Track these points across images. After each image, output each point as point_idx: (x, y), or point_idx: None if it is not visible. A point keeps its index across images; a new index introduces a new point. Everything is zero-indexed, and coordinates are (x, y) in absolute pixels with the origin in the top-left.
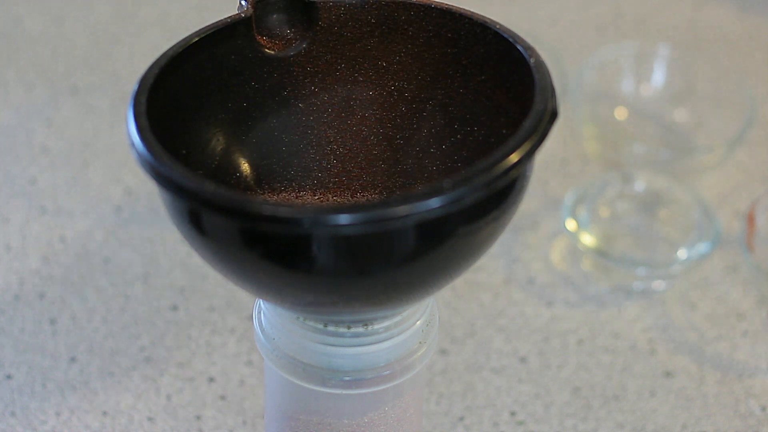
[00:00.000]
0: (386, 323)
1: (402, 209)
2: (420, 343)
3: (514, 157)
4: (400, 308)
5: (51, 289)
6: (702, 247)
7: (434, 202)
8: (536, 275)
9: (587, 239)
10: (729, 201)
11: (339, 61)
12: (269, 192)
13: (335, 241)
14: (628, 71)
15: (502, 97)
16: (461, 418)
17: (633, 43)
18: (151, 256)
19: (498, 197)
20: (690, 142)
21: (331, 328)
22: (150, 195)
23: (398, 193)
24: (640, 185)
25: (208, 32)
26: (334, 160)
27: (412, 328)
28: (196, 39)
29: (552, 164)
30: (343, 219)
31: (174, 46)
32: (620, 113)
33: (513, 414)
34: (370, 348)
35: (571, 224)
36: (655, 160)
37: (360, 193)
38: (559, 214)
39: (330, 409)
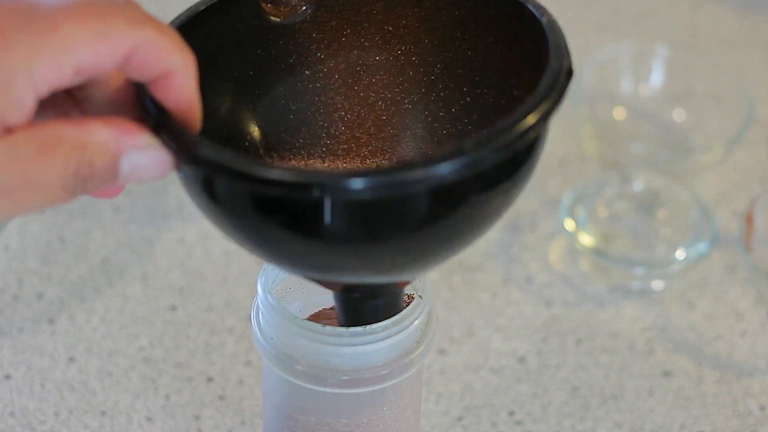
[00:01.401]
0: (384, 323)
1: (420, 173)
2: (418, 342)
3: (533, 117)
4: (405, 277)
5: (49, 290)
6: (700, 247)
7: (454, 164)
8: (534, 275)
9: (585, 239)
10: (727, 201)
11: (344, 26)
12: (278, 160)
13: (355, 206)
14: (627, 71)
15: (512, 58)
16: (459, 418)
17: (631, 43)
18: (149, 257)
19: (516, 160)
20: (688, 142)
21: (329, 328)
22: (149, 195)
23: (409, 158)
24: (638, 185)
25: (214, 1)
26: (342, 126)
27: (409, 328)
28: (203, 8)
29: (550, 164)
30: (363, 183)
31: (180, 15)
32: (619, 113)
33: (511, 414)
34: (368, 347)
35: (569, 224)
36: (654, 159)
37: (369, 159)
38: (558, 213)
39: (328, 409)
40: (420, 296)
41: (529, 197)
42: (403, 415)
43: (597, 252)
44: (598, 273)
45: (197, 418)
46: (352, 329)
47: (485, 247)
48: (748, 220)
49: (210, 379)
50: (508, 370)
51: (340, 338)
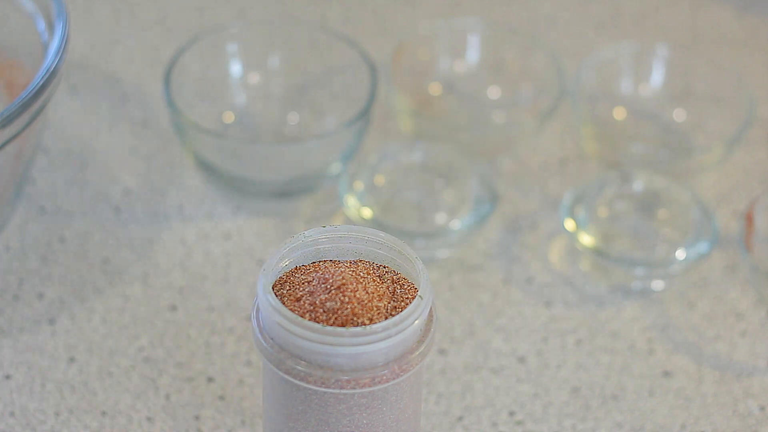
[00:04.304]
0: (385, 323)
1: None
2: (418, 342)
3: None
4: None
5: (50, 290)
6: (700, 247)
7: None
8: (535, 275)
9: (586, 239)
10: (727, 201)
11: None
12: None
13: None
14: (627, 71)
15: None
16: (460, 418)
17: (632, 43)
18: (149, 257)
19: None
20: (688, 142)
21: (329, 328)
22: (149, 195)
23: None
24: (638, 185)
25: None
26: None
27: (410, 328)
28: None
29: (550, 164)
30: None
31: None
32: (619, 113)
33: (512, 414)
34: (369, 348)
35: (569, 224)
36: (654, 160)
37: None
38: (558, 214)
39: (328, 409)
40: (420, 296)
41: (529, 197)
42: (404, 416)
43: (597, 252)
44: (598, 273)
45: (197, 418)
46: (352, 329)
47: (485, 248)
48: (748, 220)
49: (210, 379)
50: (509, 370)
51: (340, 338)
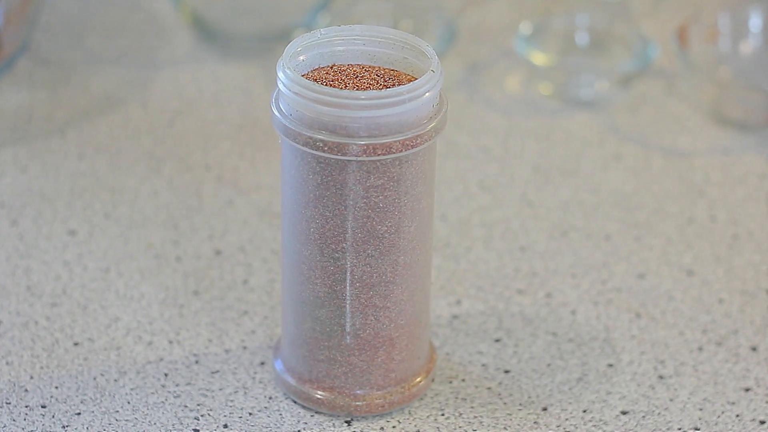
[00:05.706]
0: (399, 88)
1: None
2: (430, 118)
3: None
4: None
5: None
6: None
7: None
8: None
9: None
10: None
11: None
12: None
13: None
14: None
15: None
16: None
17: None
18: (146, 89)
19: None
20: None
21: (346, 91)
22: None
23: None
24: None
25: None
26: None
27: (422, 99)
28: None
29: None
30: None
31: None
32: None
33: (481, 185)
34: (383, 111)
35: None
36: None
37: None
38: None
39: (345, 190)
40: (432, 71)
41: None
42: (418, 206)
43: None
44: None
45: (198, 193)
46: (368, 92)
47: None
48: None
49: (208, 167)
50: (476, 157)
51: (356, 101)
